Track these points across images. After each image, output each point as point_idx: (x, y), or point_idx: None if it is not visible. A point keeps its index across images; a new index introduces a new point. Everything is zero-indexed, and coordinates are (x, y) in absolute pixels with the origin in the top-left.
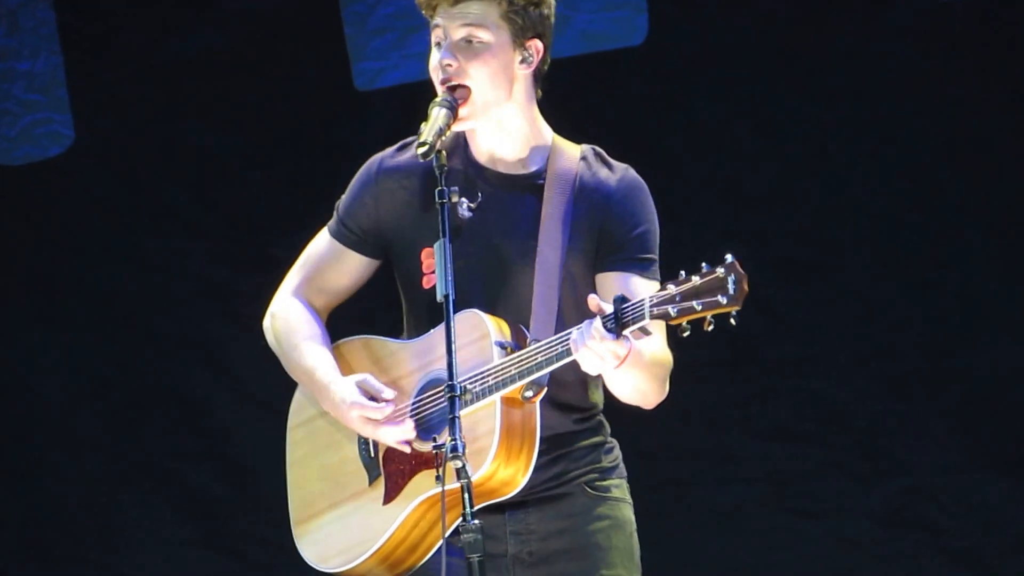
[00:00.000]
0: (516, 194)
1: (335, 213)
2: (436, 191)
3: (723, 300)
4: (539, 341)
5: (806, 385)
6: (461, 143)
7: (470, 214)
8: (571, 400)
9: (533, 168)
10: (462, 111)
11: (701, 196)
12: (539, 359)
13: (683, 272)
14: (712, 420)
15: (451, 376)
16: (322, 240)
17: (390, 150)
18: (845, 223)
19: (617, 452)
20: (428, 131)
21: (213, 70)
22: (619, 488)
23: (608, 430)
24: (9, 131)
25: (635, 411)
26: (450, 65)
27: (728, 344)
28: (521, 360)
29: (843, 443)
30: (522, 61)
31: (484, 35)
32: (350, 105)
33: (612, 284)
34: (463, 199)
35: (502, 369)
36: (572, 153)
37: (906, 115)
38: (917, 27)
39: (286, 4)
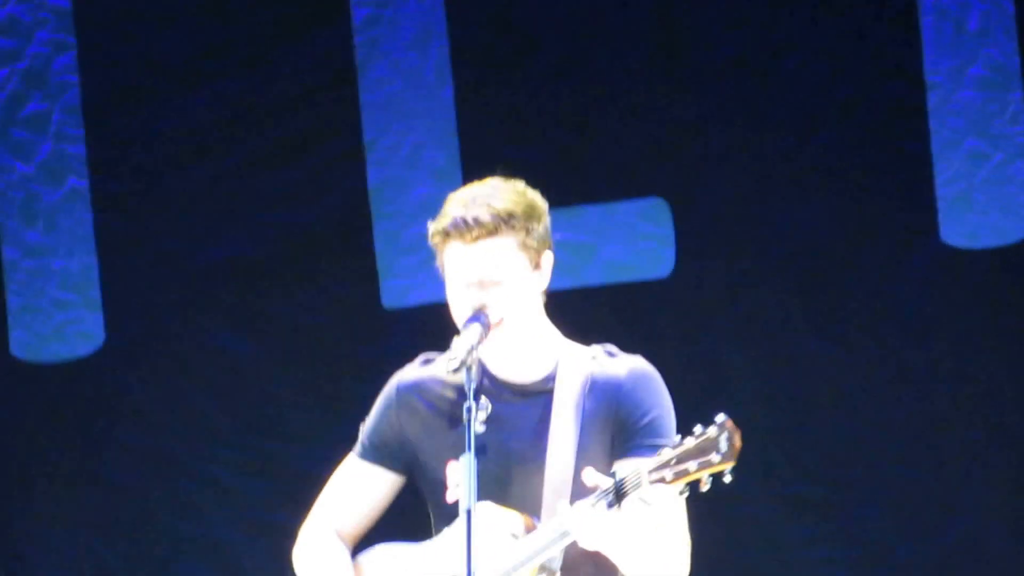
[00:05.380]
0: (530, 402)
1: (359, 435)
2: (465, 407)
3: (716, 459)
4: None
5: None
6: (477, 356)
7: (484, 427)
8: None
9: (545, 374)
10: (494, 333)
11: None
12: (543, 540)
13: (678, 437)
14: None
15: None
16: (346, 464)
17: (411, 366)
18: (856, 461)
19: None
20: (460, 347)
21: (244, 277)
22: None
23: None
24: (42, 329)
25: None
26: (479, 304)
27: None
28: (529, 543)
29: None
30: (539, 277)
31: (507, 271)
32: (377, 322)
33: None
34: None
35: (513, 556)
36: (581, 354)
37: (924, 357)
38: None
39: (321, 218)
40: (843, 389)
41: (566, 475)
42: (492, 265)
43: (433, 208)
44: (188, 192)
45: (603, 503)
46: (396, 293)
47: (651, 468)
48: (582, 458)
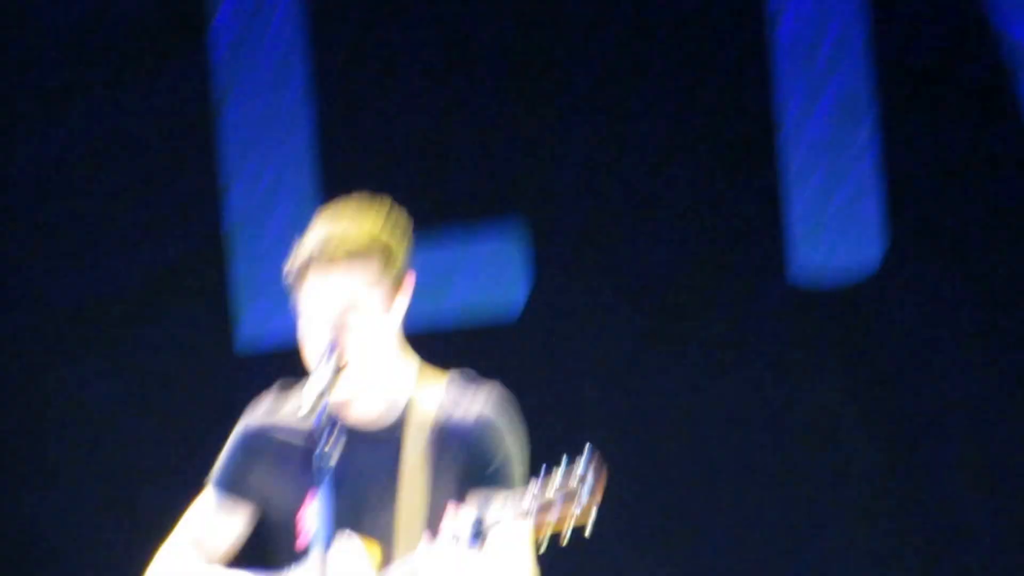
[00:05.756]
0: (380, 445)
1: (213, 468)
2: (316, 455)
3: (578, 510)
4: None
5: None
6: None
7: (333, 470)
8: None
9: (395, 417)
10: (345, 375)
11: None
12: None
13: (544, 467)
14: None
15: None
16: (200, 499)
17: (266, 398)
18: (710, 495)
19: None
20: (309, 393)
21: (99, 319)
22: None
23: None
24: None
25: None
26: (330, 342)
27: None
28: None
29: None
30: (394, 312)
31: (365, 301)
32: (230, 366)
33: None
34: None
35: None
36: (434, 389)
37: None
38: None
39: (178, 260)
40: (698, 424)
41: (418, 516)
42: (345, 302)
43: (291, 243)
44: (39, 230)
45: (464, 542)
46: (250, 337)
47: (515, 511)
48: (434, 498)
